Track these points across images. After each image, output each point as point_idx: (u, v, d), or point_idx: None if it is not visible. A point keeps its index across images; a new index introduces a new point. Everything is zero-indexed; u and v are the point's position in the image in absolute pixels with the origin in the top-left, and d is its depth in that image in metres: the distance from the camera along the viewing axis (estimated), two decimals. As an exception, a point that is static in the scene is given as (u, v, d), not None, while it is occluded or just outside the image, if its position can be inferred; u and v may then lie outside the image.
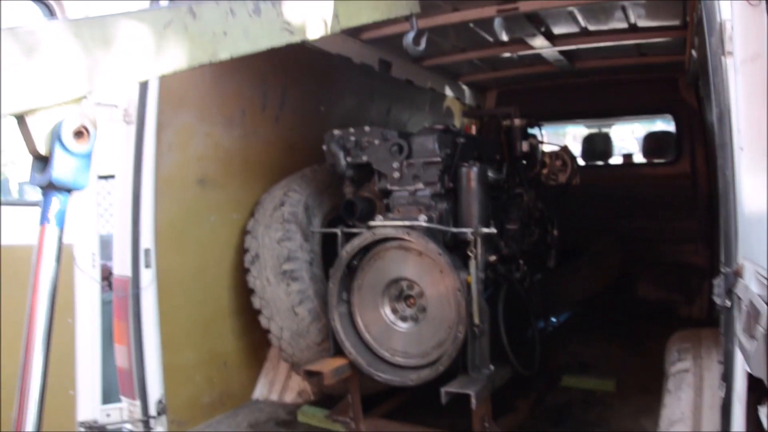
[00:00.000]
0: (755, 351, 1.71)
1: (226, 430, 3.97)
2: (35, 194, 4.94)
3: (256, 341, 4.35)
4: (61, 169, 1.49)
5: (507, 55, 5.86)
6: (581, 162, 6.81)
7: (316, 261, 3.96)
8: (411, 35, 3.17)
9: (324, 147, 3.82)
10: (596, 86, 6.65)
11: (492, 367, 3.42)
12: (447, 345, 3.42)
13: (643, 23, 4.97)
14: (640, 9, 4.64)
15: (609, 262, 6.16)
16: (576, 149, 6.88)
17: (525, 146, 4.43)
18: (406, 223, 3.46)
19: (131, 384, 3.46)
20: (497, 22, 4.96)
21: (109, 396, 3.56)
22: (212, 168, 4.01)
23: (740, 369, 2.18)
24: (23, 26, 1.45)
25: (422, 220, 3.45)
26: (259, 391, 4.45)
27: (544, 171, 4.84)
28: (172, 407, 3.59)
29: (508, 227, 4.07)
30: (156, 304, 3.50)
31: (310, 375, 3.55)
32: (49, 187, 1.51)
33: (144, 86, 3.28)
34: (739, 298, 2.13)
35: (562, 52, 5.72)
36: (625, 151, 8.72)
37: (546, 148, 5.02)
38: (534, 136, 4.60)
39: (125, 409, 3.45)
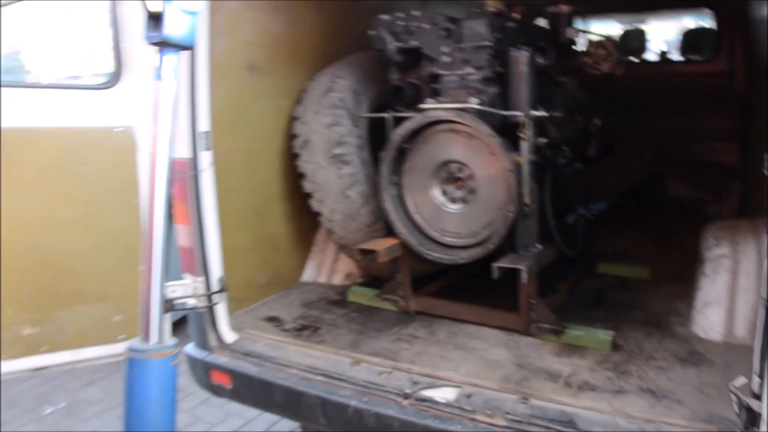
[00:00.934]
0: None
1: (281, 307, 4.17)
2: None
3: (304, 225, 4.52)
4: (173, 25, 1.56)
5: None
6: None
7: (365, 146, 4.04)
8: None
9: (371, 32, 3.82)
10: None
11: (539, 247, 3.56)
12: (497, 224, 3.54)
13: None
14: None
15: (642, 158, 6.19)
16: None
17: (570, 33, 4.39)
18: (458, 105, 3.51)
19: (194, 261, 3.64)
20: None
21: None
22: (260, 54, 4.04)
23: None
24: None
25: (473, 103, 3.50)
26: (308, 274, 4.66)
27: (587, 60, 4.79)
28: (230, 286, 3.78)
29: (553, 113, 4.10)
30: (214, 186, 3.64)
31: (365, 253, 3.71)
32: (162, 44, 1.58)
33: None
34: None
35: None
36: (661, 48, 8.54)
37: (589, 37, 4.96)
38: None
39: (189, 285, 3.63)
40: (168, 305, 3.60)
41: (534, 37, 4.12)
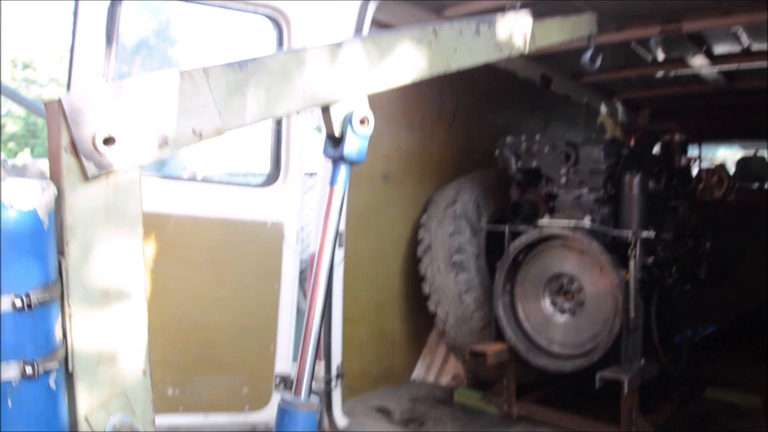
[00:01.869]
0: None
1: (391, 400, 4.43)
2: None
3: (418, 325, 4.83)
4: (350, 146, 2.02)
5: (662, 73, 6.02)
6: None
7: (481, 255, 4.39)
8: (589, 53, 3.53)
9: (496, 152, 4.26)
10: (755, 107, 6.60)
11: (643, 361, 3.69)
12: (602, 337, 3.72)
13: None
14: (808, 29, 4.70)
15: (758, 284, 6.10)
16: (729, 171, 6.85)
17: (683, 161, 4.64)
18: (572, 223, 3.81)
19: (318, 346, 4.01)
20: (656, 41, 5.18)
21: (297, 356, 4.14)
22: (394, 166, 4.55)
23: None
24: (332, 42, 2.00)
25: (586, 222, 3.79)
26: (417, 372, 4.92)
27: (700, 186, 5.00)
28: (347, 374, 4.11)
29: (663, 235, 4.30)
30: (342, 281, 4.06)
31: (474, 355, 3.96)
32: (340, 159, 2.04)
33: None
34: None
35: (721, 72, 5.81)
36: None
37: (703, 164, 5.17)
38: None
39: (311, 368, 3.97)
40: (290, 383, 3.96)
41: (647, 162, 4.40)
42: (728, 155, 10.31)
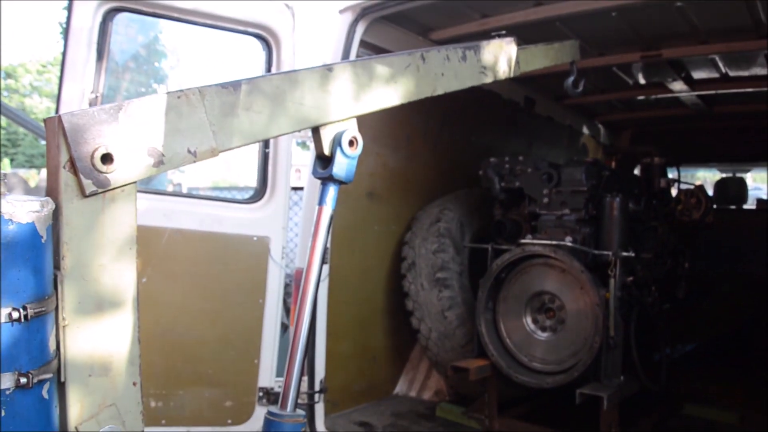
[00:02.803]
0: None
1: (373, 415, 4.47)
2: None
3: (401, 341, 4.89)
4: (339, 166, 2.08)
5: (643, 97, 6.17)
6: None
7: (464, 272, 4.47)
8: (572, 79, 3.62)
9: (480, 172, 4.34)
10: (733, 131, 6.78)
11: (622, 378, 3.77)
12: (582, 354, 3.79)
13: (786, 70, 5.17)
14: (784, 56, 4.86)
15: (737, 304, 6.22)
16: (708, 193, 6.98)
17: (662, 183, 4.75)
18: (553, 242, 3.90)
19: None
20: (638, 66, 5.33)
21: (280, 370, 4.17)
22: (379, 184, 4.62)
23: None
24: (321, 66, 2.06)
25: (568, 241, 3.88)
26: (400, 387, 4.97)
27: (679, 207, 5.11)
28: (330, 389, 4.17)
29: (642, 255, 4.40)
30: (327, 296, 4.12)
31: (457, 371, 4.01)
32: (329, 179, 2.10)
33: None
34: None
35: (700, 96, 5.97)
36: (761, 197, 8.66)
37: (681, 186, 5.30)
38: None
39: (293, 382, 4.02)
40: (273, 397, 4.00)
41: (628, 184, 4.51)
42: (708, 176, 10.51)
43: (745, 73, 5.39)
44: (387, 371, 4.91)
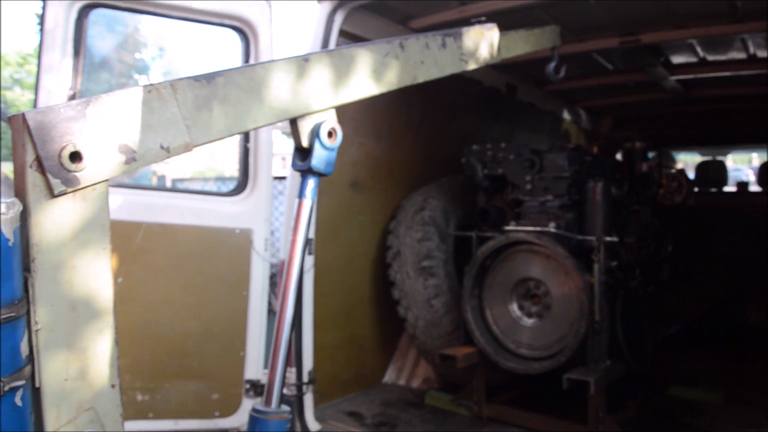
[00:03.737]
0: None
1: (362, 404, 4.47)
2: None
3: (388, 330, 4.88)
4: (318, 158, 2.05)
5: (623, 82, 6.17)
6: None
7: (450, 260, 4.45)
8: (553, 65, 3.62)
9: (463, 159, 4.33)
10: (712, 114, 6.80)
11: (608, 362, 3.78)
12: (568, 339, 3.80)
13: (762, 54, 5.18)
14: (760, 40, 4.86)
15: (717, 285, 6.28)
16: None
17: (644, 167, 4.77)
18: (537, 228, 3.89)
19: (289, 353, 4.04)
20: (617, 52, 5.32)
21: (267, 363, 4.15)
22: (363, 173, 4.59)
23: None
24: (297, 56, 2.02)
25: (551, 227, 3.87)
26: (389, 376, 4.96)
27: (661, 191, 5.13)
28: (318, 379, 4.16)
29: (626, 239, 4.42)
30: (312, 287, 4.09)
31: (444, 358, 4.02)
32: (308, 172, 2.06)
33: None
34: None
35: (678, 81, 5.98)
36: (740, 179, 8.72)
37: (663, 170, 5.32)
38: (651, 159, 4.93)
39: (281, 374, 4.01)
40: (260, 389, 3.98)
41: (610, 169, 4.52)
42: (689, 159, 10.57)
43: (723, 57, 5.40)
44: (375, 360, 4.90)
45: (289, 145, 4.10)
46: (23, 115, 1.39)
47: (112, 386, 1.59)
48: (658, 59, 5.35)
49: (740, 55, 5.26)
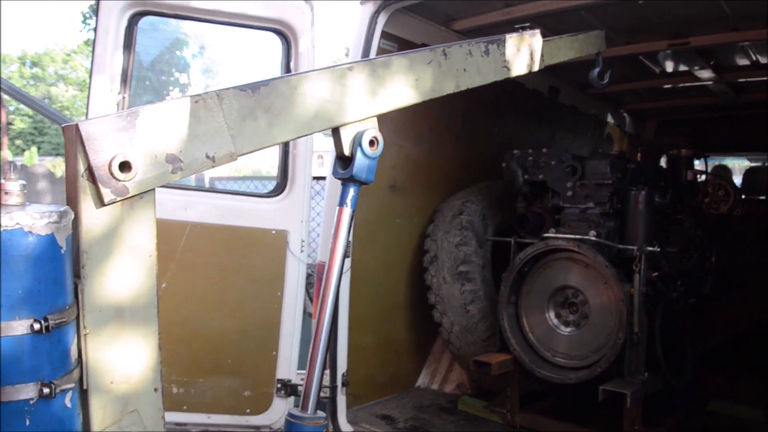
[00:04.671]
0: None
1: (395, 408, 4.48)
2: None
3: (423, 334, 4.87)
4: (359, 167, 2.06)
5: (670, 85, 6.05)
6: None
7: (487, 266, 4.43)
8: (597, 70, 3.56)
9: (503, 164, 4.29)
10: (762, 119, 6.61)
11: (646, 375, 3.72)
12: (605, 350, 3.74)
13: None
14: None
15: (762, 300, 6.09)
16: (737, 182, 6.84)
17: (689, 175, 4.66)
18: (577, 236, 3.84)
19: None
20: (665, 54, 5.21)
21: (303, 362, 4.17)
22: (401, 176, 4.58)
23: None
24: (341, 65, 2.03)
25: (592, 235, 3.82)
26: (422, 380, 4.96)
27: (706, 200, 5.01)
28: (351, 381, 4.16)
29: (668, 249, 4.33)
30: (348, 290, 4.11)
31: (479, 365, 3.99)
32: (349, 180, 2.08)
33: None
34: None
35: (728, 84, 5.83)
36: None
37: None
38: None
39: (316, 375, 4.04)
40: (291, 389, 4.02)
41: (653, 177, 4.43)
42: (737, 165, 10.29)
43: (776, 60, 5.25)
44: (409, 364, 4.90)
45: (325, 142, 4.12)
46: (77, 125, 1.43)
47: (155, 390, 1.63)
48: (708, 62, 5.23)
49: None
